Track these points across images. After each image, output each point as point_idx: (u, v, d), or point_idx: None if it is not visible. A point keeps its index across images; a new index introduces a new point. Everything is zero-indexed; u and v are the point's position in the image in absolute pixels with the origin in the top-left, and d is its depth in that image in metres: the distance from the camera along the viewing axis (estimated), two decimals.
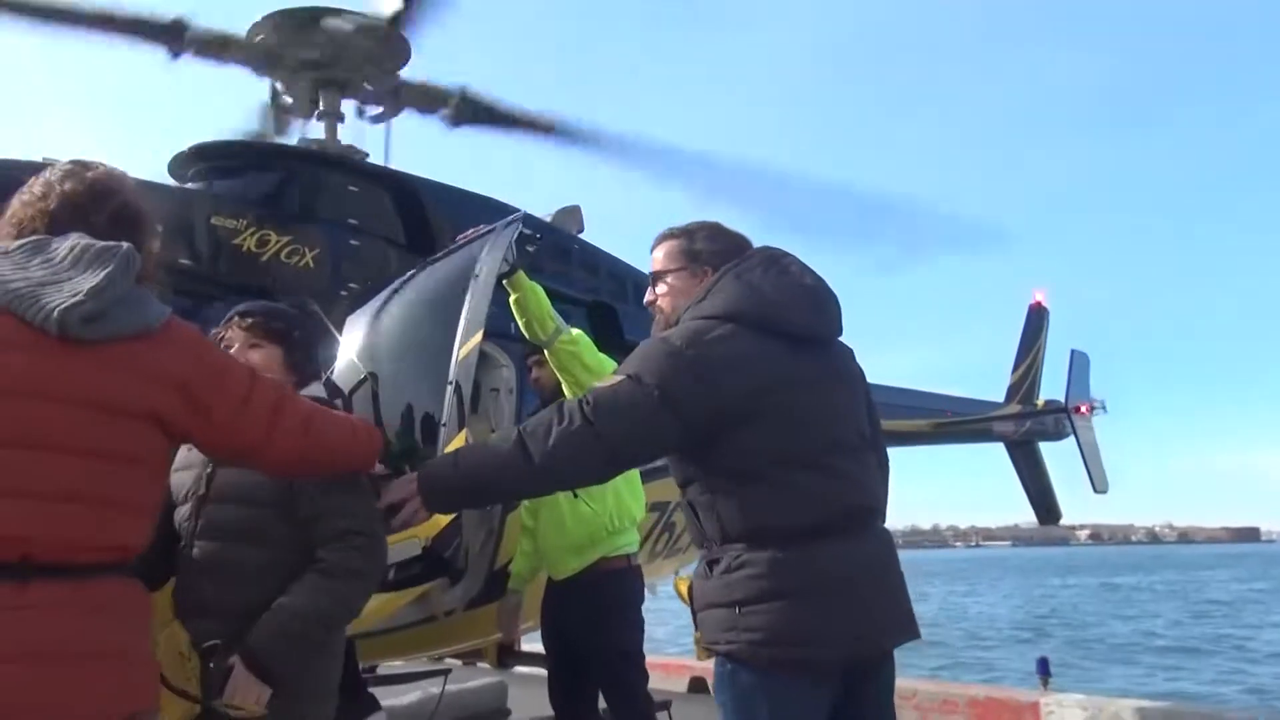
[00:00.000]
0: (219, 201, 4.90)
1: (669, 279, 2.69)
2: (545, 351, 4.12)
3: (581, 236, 6.47)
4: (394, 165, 5.83)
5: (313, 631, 2.34)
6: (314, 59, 5.50)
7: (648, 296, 2.76)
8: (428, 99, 6.06)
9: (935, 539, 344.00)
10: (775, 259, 2.61)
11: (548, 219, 6.33)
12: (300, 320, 2.70)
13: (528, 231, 5.38)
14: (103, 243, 1.86)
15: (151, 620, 1.98)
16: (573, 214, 6.45)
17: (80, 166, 2.01)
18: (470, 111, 6.14)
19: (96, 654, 1.75)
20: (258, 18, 5.36)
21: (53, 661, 1.68)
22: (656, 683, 8.02)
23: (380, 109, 6.05)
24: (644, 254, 2.87)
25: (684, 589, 2.58)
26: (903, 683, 7.85)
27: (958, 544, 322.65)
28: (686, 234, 2.71)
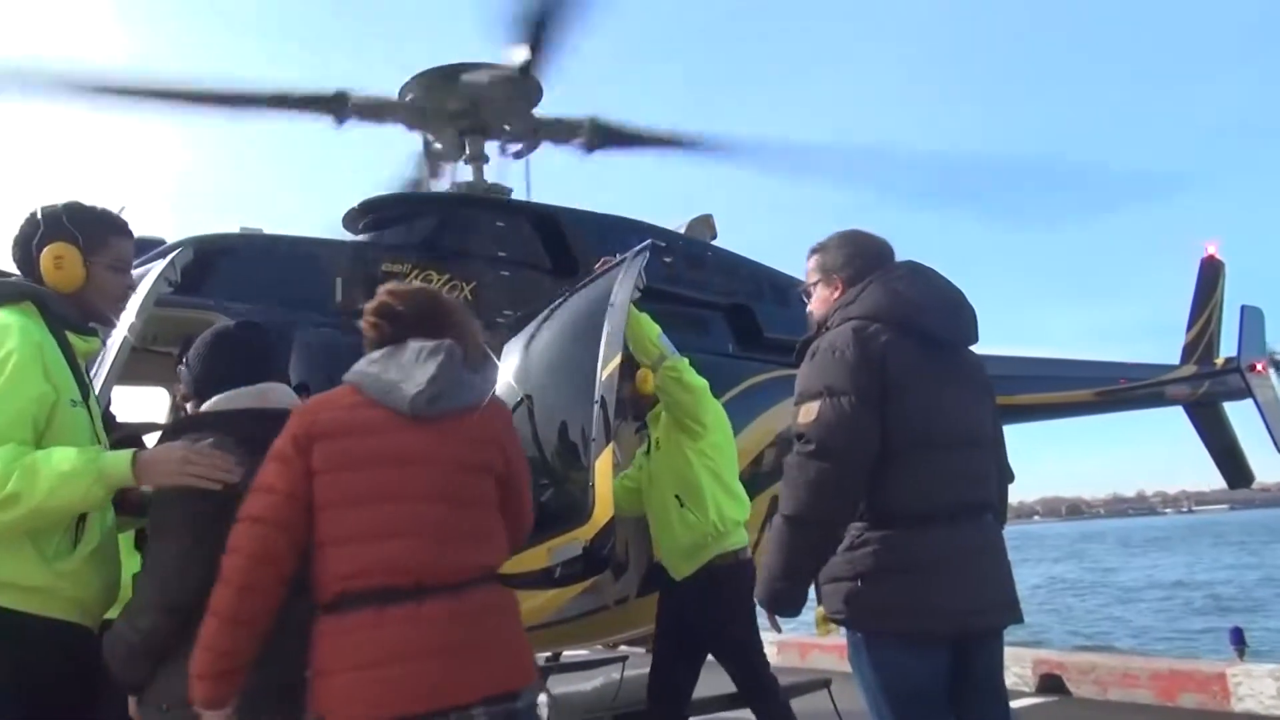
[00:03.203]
0: (386, 249, 5.52)
1: (813, 289, 3.05)
2: (652, 371, 4.51)
3: (715, 243, 6.75)
4: (536, 194, 6.33)
5: None
6: (457, 110, 6.07)
7: (809, 306, 3.10)
8: (562, 131, 6.47)
9: (1141, 506, 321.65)
10: (919, 270, 2.90)
11: (682, 229, 6.67)
12: (193, 343, 2.83)
13: (661, 244, 5.74)
14: (434, 343, 2.44)
15: (519, 617, 2.46)
16: (705, 222, 6.75)
17: (405, 292, 2.59)
18: (601, 137, 6.51)
19: (477, 647, 2.26)
20: (407, 78, 5.99)
21: (446, 656, 2.21)
22: (816, 663, 8.21)
23: (520, 146, 6.54)
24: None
25: None
26: (1079, 657, 7.78)
27: (1167, 510, 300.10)
28: (822, 248, 3.05)
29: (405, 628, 2.20)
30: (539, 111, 6.29)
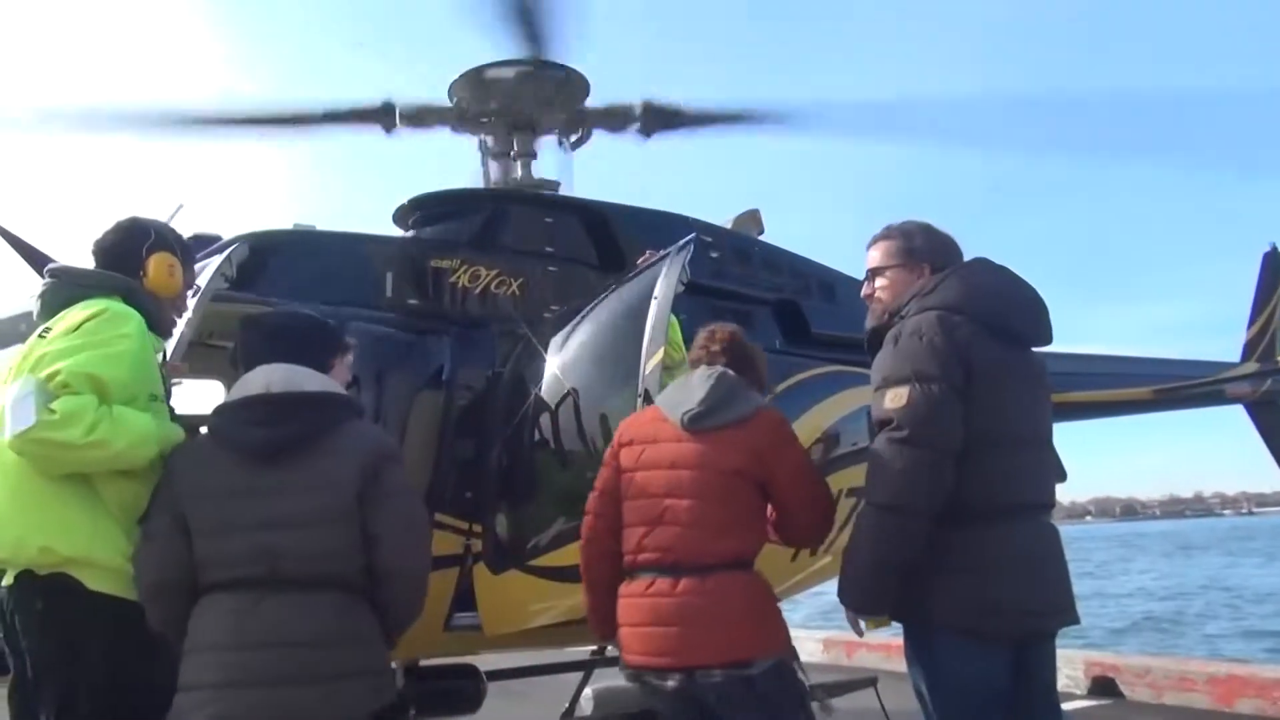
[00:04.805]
0: (436, 245, 5.58)
1: (888, 274, 3.00)
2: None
3: (762, 238, 6.72)
4: (589, 185, 6.38)
5: None
6: (502, 108, 6.12)
7: (865, 290, 3.07)
8: (614, 118, 6.48)
9: (1199, 507, 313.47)
10: (996, 267, 2.90)
11: (729, 224, 6.64)
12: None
13: (707, 238, 5.73)
14: (712, 369, 3.09)
15: (762, 598, 2.92)
16: (753, 217, 6.72)
17: (716, 331, 3.24)
18: (658, 120, 6.52)
19: (716, 620, 2.78)
20: (452, 80, 6.07)
21: (690, 624, 2.77)
22: (863, 661, 8.14)
23: (572, 138, 6.57)
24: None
25: None
26: (1134, 659, 7.62)
27: (1226, 511, 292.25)
28: (904, 234, 3.02)
29: (663, 598, 2.81)
30: (591, 101, 6.31)
